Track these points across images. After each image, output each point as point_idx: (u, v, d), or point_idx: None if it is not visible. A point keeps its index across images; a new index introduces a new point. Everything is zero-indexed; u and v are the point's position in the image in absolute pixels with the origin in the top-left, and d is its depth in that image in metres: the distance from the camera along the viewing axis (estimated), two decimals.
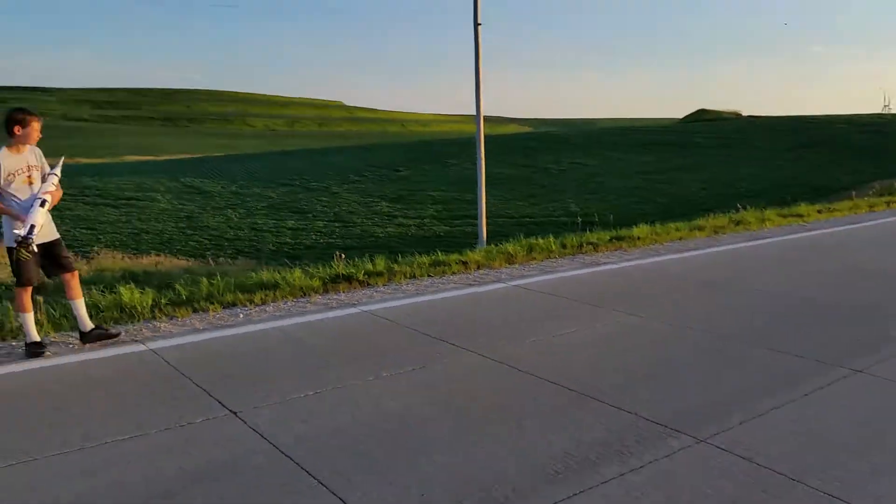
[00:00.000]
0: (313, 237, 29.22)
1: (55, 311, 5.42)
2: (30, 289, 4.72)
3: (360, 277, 6.93)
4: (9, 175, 4.63)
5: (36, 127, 4.71)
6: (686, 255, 8.59)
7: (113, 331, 5.02)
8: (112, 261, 22.69)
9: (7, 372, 4.35)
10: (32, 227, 4.51)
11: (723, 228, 10.72)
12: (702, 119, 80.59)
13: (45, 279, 5.07)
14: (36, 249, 4.58)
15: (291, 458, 3.18)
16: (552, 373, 4.28)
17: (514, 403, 3.84)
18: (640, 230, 9.89)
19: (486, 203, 15.12)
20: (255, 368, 4.42)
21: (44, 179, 4.77)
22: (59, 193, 4.85)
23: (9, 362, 4.53)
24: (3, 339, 5.00)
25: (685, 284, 6.91)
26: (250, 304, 6.08)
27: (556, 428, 3.50)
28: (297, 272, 6.89)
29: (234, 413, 3.70)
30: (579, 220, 16.67)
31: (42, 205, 4.60)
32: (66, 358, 4.62)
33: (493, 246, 8.75)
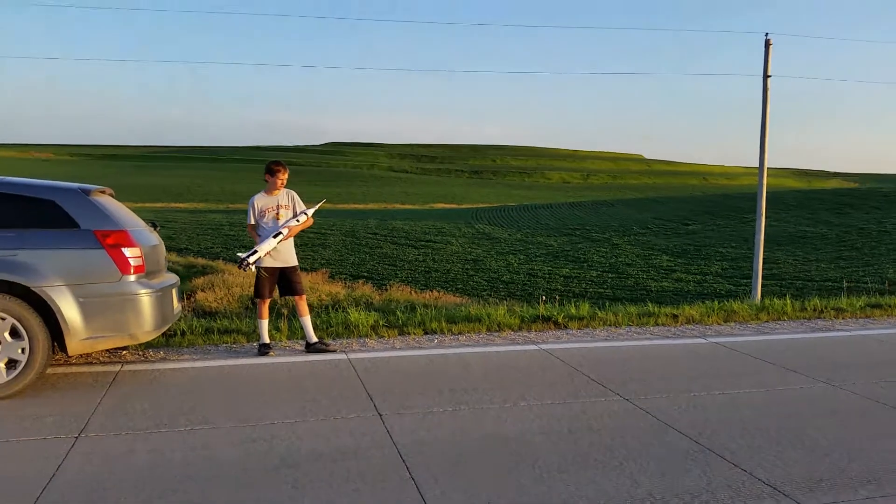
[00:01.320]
0: (584, 286, 29.58)
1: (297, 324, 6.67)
2: (266, 301, 5.96)
3: (559, 320, 7.24)
4: (261, 212, 6.02)
5: (280, 177, 5.97)
6: None
7: (331, 346, 6.05)
8: (400, 293, 25.47)
9: (237, 363, 5.58)
10: (254, 252, 5.79)
11: None
12: None
13: (278, 297, 6.33)
14: (252, 269, 5.89)
15: (401, 456, 3.69)
16: (687, 426, 4.21)
17: (630, 446, 3.90)
18: None
19: (780, 262, 14.15)
20: (419, 383, 5.04)
21: (295, 216, 6.01)
22: (307, 224, 6.04)
23: (243, 357, 5.79)
24: (250, 342, 6.34)
25: None
26: (448, 332, 6.77)
27: (654, 473, 3.52)
28: (502, 310, 7.44)
29: (380, 415, 4.34)
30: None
31: (276, 236, 5.82)
32: (283, 358, 5.75)
33: (713, 302, 8.38)
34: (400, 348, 6.18)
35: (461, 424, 4.20)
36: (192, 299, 23.24)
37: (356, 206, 76.97)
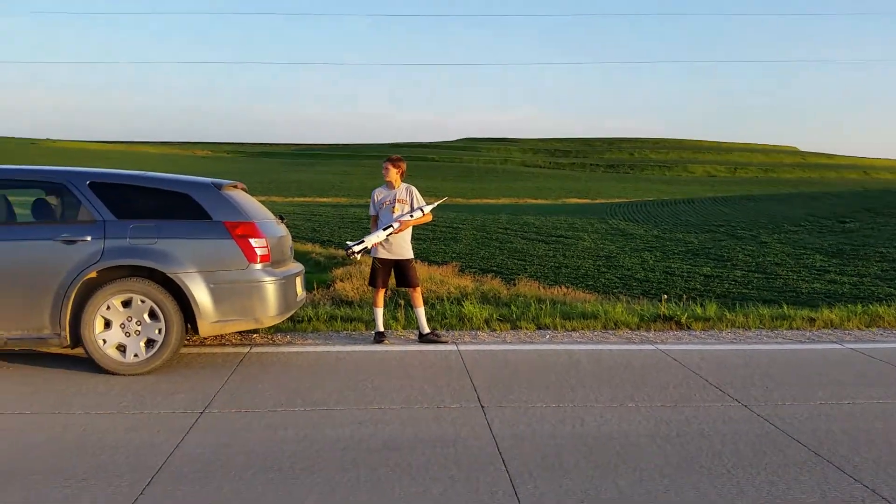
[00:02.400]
0: (726, 286, 28.02)
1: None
2: (381, 290, 6.19)
3: (682, 320, 6.94)
4: (380, 204, 6.27)
5: (393, 172, 6.21)
6: None
7: (443, 337, 6.17)
8: (528, 288, 25.36)
9: (354, 350, 5.83)
10: (361, 242, 6.09)
11: None
12: None
13: (393, 287, 6.53)
14: (357, 258, 6.21)
15: (498, 448, 3.71)
16: (808, 436, 3.92)
17: (741, 453, 3.69)
18: None
19: None
20: (525, 378, 5.03)
21: (411, 211, 6.17)
22: (424, 220, 6.20)
23: (360, 343, 6.03)
24: (368, 330, 6.59)
25: None
26: (562, 328, 6.69)
27: (763, 482, 3.32)
28: (619, 307, 7.24)
29: (482, 406, 4.38)
30: None
31: (386, 229, 6.04)
32: (396, 347, 5.94)
33: (856, 306, 7.71)
34: (511, 342, 6.19)
35: (563, 421, 4.16)
36: (332, 288, 24.37)
37: (488, 200, 77.37)
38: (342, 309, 7.51)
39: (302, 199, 77.67)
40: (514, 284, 26.69)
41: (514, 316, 7.02)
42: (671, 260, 35.50)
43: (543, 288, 26.07)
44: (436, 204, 6.37)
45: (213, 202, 5.21)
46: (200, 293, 5.03)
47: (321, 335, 6.42)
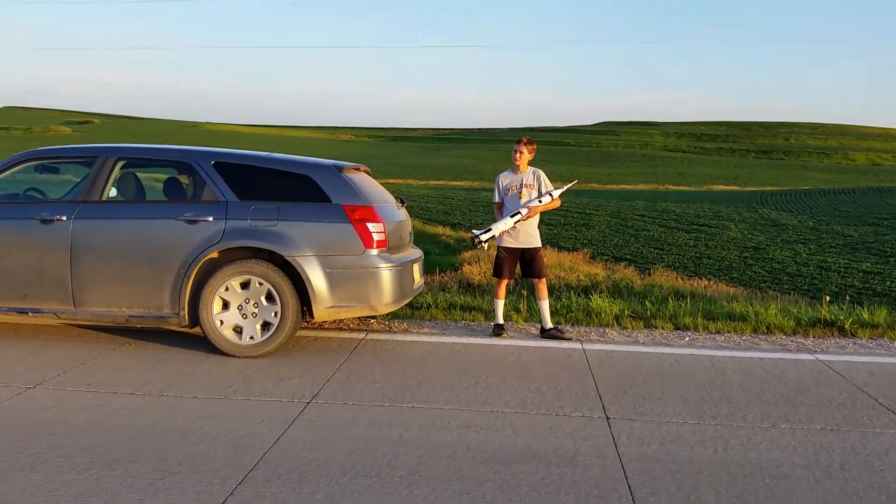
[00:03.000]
0: (888, 283, 25.26)
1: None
2: (504, 281, 5.79)
3: (846, 326, 6.05)
4: (505, 189, 5.84)
5: (524, 154, 5.78)
6: None
7: (567, 333, 5.71)
8: (665, 279, 24.06)
9: (470, 342, 5.50)
10: (488, 230, 5.68)
11: None
12: None
13: (518, 278, 6.11)
14: (485, 247, 5.75)
15: (624, 471, 3.24)
16: None
17: None
18: None
19: None
20: (658, 387, 4.48)
21: (539, 197, 5.73)
22: (554, 205, 5.74)
23: (478, 335, 5.70)
24: (487, 321, 6.23)
25: None
26: (704, 330, 6.01)
27: None
28: (773, 308, 6.43)
29: (608, 418, 3.91)
30: None
31: (513, 216, 5.61)
32: (515, 342, 5.54)
33: None
34: (643, 343, 5.61)
35: (703, 442, 3.60)
36: (459, 272, 24.35)
37: (625, 186, 74.63)
38: (463, 296, 7.20)
39: (436, 182, 78.78)
40: (650, 274, 25.35)
41: (649, 313, 6.41)
42: (827, 253, 32.55)
43: (682, 279, 24.60)
44: (565, 188, 5.88)
45: (334, 185, 5.03)
46: (317, 277, 4.87)
47: (438, 324, 6.15)
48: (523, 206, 5.65)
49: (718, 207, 49.77)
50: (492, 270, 5.90)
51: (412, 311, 6.47)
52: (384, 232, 5.00)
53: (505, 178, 5.84)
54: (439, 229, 37.67)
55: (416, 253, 5.77)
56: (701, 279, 24.98)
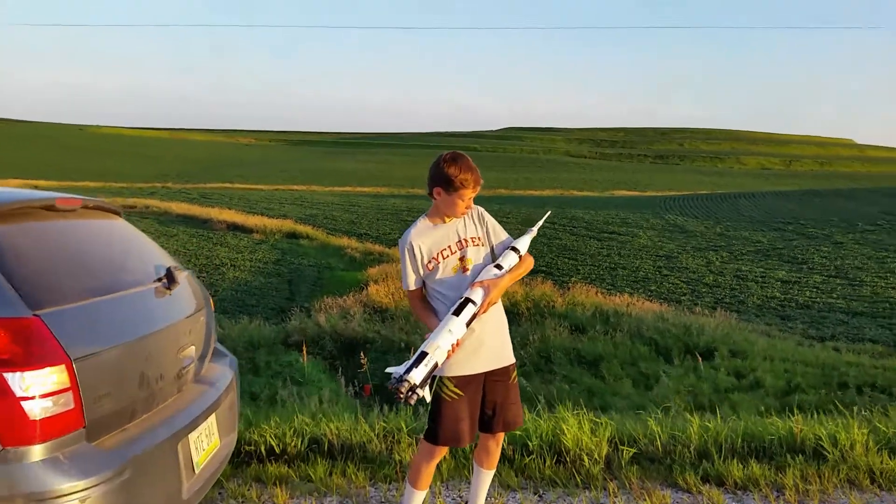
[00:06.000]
0: (808, 294, 24.89)
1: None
2: (443, 451, 2.76)
3: None
4: (429, 261, 2.68)
5: (464, 188, 2.63)
6: None
7: None
8: (585, 295, 22.64)
9: None
10: (420, 358, 2.42)
11: None
12: None
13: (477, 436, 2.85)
14: (427, 397, 2.46)
15: None
16: None
17: None
18: None
19: None
20: None
21: (493, 258, 2.76)
22: (526, 267, 2.79)
23: None
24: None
25: None
26: (769, 488, 3.29)
27: None
28: (861, 430, 3.60)
29: None
30: None
31: (460, 310, 2.54)
32: None
33: None
34: None
35: None
36: (365, 292, 21.98)
37: (533, 192, 74.22)
38: (281, 466, 3.37)
39: (342, 188, 76.03)
40: (569, 289, 23.90)
41: (661, 450, 3.53)
42: (740, 261, 32.28)
43: (602, 294, 23.26)
44: (539, 223, 2.98)
45: None
46: None
47: None
48: (476, 286, 2.63)
49: (625, 214, 49.66)
50: (423, 436, 2.75)
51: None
52: (73, 389, 1.90)
53: (424, 237, 2.71)
54: (344, 240, 35.17)
55: (212, 387, 2.64)
56: (622, 294, 23.76)
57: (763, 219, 45.49)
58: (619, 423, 3.80)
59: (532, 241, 2.86)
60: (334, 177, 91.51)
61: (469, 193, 2.66)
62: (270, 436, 3.38)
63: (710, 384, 12.64)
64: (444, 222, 2.74)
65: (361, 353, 3.15)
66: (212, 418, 2.52)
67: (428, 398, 2.46)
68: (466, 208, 2.71)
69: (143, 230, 2.97)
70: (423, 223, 2.75)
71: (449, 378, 2.66)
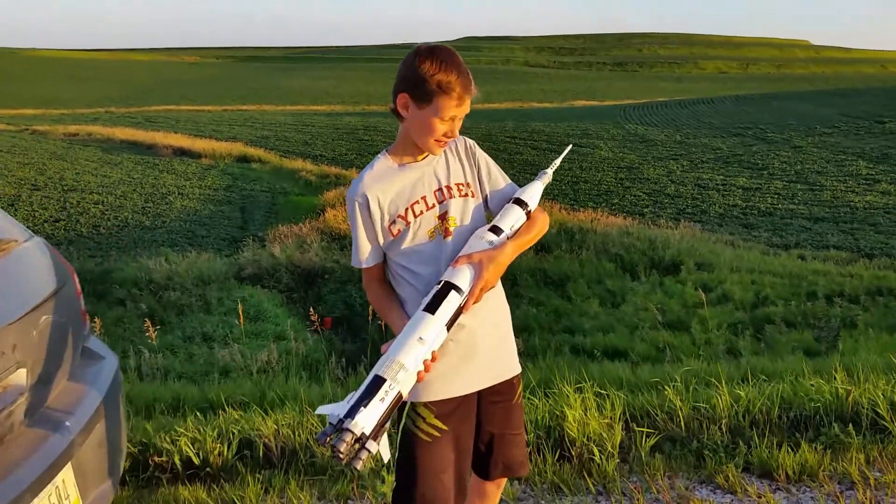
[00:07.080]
0: (770, 201, 24.86)
1: None
2: None
3: None
4: (392, 222, 1.75)
5: (446, 109, 1.70)
6: None
7: None
8: (549, 212, 22.11)
9: None
10: (371, 388, 1.51)
11: None
12: None
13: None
14: (372, 452, 1.48)
15: None
16: None
17: None
18: None
19: None
20: None
21: (489, 216, 1.84)
22: (541, 229, 1.85)
23: None
24: None
25: None
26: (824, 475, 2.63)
27: None
28: None
29: None
30: None
31: (438, 302, 1.61)
32: None
33: None
34: None
35: None
36: (322, 218, 21.18)
37: (492, 105, 72.62)
38: (199, 488, 2.68)
39: (294, 107, 73.43)
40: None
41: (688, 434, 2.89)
42: (700, 170, 32.05)
43: (566, 210, 22.85)
44: (555, 162, 2.08)
45: None
46: None
47: None
48: (463, 262, 1.68)
49: (585, 125, 48.94)
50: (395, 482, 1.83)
51: None
52: None
53: (384, 187, 1.74)
54: (298, 163, 33.82)
55: (62, 425, 1.72)
56: (585, 209, 23.37)
57: (722, 125, 45.26)
58: (626, 391, 3.19)
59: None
60: (285, 95, 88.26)
61: (453, 107, 1.70)
62: (186, 443, 2.66)
63: (679, 300, 12.39)
64: (416, 161, 1.79)
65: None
66: (63, 474, 1.67)
67: (386, 456, 1.54)
68: (448, 137, 1.74)
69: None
70: (382, 163, 1.78)
71: (425, 405, 1.74)
